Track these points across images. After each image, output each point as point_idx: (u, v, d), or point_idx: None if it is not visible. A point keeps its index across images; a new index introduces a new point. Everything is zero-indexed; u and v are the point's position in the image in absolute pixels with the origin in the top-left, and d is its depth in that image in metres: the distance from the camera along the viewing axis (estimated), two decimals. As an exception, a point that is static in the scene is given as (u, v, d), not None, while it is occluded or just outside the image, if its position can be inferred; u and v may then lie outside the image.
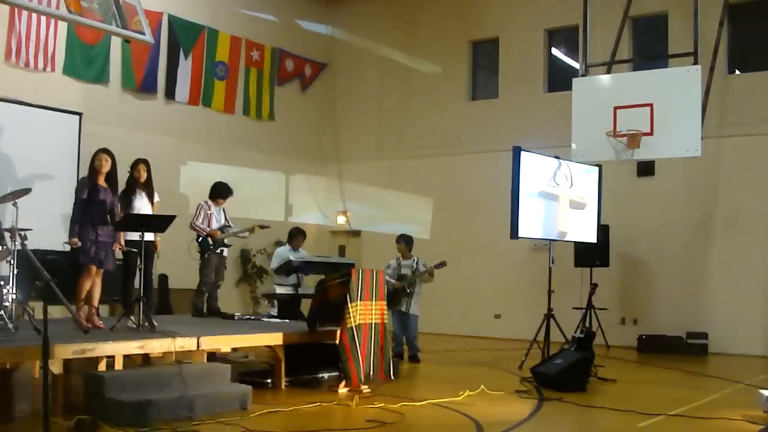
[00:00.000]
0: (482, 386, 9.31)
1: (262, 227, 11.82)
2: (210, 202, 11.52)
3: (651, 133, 11.50)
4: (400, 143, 19.09)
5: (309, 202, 19.77)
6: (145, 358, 8.74)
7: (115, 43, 14.79)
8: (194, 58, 16.87)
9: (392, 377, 9.66)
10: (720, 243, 15.11)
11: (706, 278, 15.16)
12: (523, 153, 11.62)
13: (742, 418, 8.11)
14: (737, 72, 15.69)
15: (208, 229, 11.25)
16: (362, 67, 19.82)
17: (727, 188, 15.05)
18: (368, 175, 19.46)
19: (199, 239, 11.34)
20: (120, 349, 7.59)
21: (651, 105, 11.54)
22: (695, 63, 11.59)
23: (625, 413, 8.29)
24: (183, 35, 16.64)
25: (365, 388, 9.02)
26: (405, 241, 12.71)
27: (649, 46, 16.59)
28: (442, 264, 12.25)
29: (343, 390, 9.05)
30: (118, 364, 7.67)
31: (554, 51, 17.75)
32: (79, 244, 8.60)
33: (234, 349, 9.70)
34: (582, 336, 10.56)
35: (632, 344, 15.10)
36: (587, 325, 13.28)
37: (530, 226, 11.73)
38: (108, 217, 8.81)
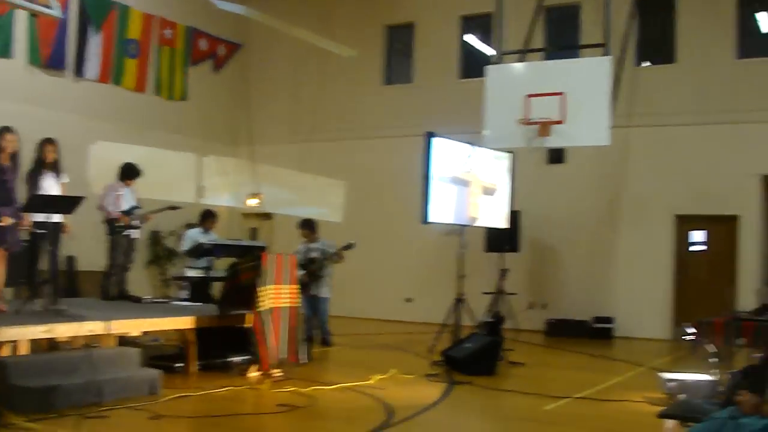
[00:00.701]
0: (393, 370, 9.40)
1: (172, 208, 11.62)
2: (119, 183, 11.26)
3: (562, 122, 11.62)
4: (314, 126, 19.00)
5: (221, 183, 19.54)
6: (52, 343, 8.51)
7: (21, 17, 14.32)
8: (105, 35, 16.43)
9: (304, 361, 9.67)
10: (626, 230, 15.55)
11: (613, 264, 15.59)
12: (435, 138, 11.72)
13: (644, 400, 8.39)
14: (646, 64, 16.10)
15: (116, 211, 10.99)
16: (277, 49, 19.62)
17: (634, 177, 15.48)
18: (281, 158, 19.34)
19: (107, 221, 11.08)
20: (25, 333, 7.39)
21: (562, 94, 11.66)
22: (605, 54, 11.81)
23: (533, 396, 8.50)
24: (93, 11, 16.19)
25: (276, 372, 9.01)
26: (307, 227, 12.52)
27: (562, 36, 16.91)
28: (351, 246, 12.14)
29: (254, 374, 9.02)
30: (23, 349, 7.45)
31: (469, 38, 17.90)
32: (12, 221, 8.30)
33: (144, 333, 9.56)
34: (492, 320, 10.76)
35: (540, 328, 15.46)
36: (497, 309, 13.51)
37: (442, 212, 11.84)
38: (11, 196, 8.53)
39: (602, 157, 14.89)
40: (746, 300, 13.16)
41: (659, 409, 7.74)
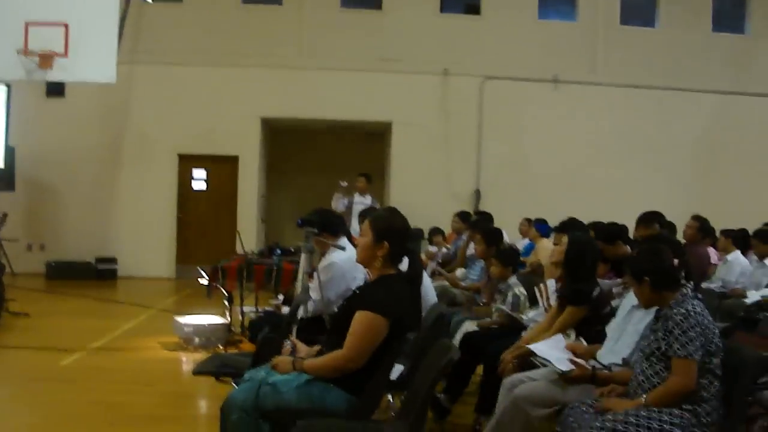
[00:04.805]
0: None
1: None
2: None
3: (65, 55, 11.00)
4: None
5: None
6: None
7: None
8: None
9: None
10: (130, 168, 15.26)
11: (116, 203, 15.26)
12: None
13: (160, 346, 8.38)
14: (150, 1, 15.76)
15: None
16: None
17: (138, 115, 15.20)
18: None
19: None
20: None
21: (66, 25, 11.01)
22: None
23: (46, 351, 7.98)
24: None
25: None
26: None
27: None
28: None
29: None
30: None
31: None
32: None
33: None
34: (-12, 268, 9.90)
35: (40, 271, 14.56)
36: (-6, 256, 12.53)
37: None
38: None
39: (105, 93, 14.34)
40: (248, 239, 13.77)
41: (178, 354, 7.90)
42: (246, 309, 9.12)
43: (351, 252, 5.93)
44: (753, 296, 7.73)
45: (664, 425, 3.69)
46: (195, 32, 15.20)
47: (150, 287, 13.87)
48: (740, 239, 9.30)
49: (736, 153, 15.76)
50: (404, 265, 4.15)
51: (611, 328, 4.67)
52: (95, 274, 14.57)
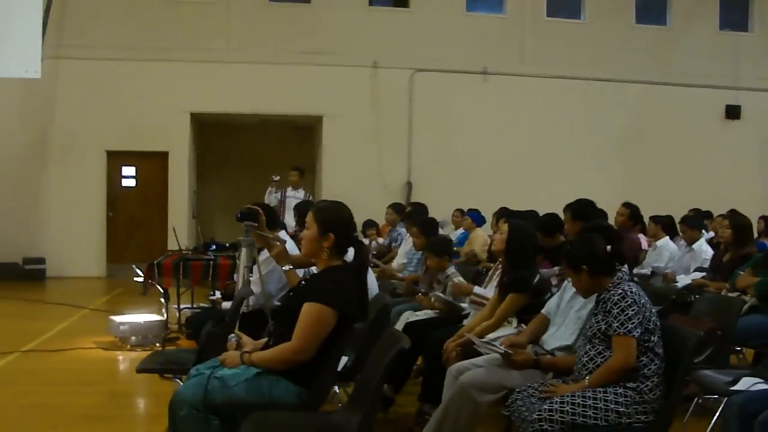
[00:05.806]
0: None
1: None
2: None
3: (-10, 51, 10.70)
4: None
5: None
6: None
7: None
8: None
9: None
10: (56, 166, 14.92)
11: (42, 201, 14.90)
12: None
13: (96, 346, 8.22)
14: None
15: None
16: None
17: (64, 111, 14.84)
18: None
19: None
20: None
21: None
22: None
23: (-23, 354, 7.74)
24: None
25: None
26: None
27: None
28: None
29: None
30: None
31: None
32: None
33: None
34: None
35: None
36: None
37: None
38: None
39: (29, 88, 13.99)
40: (180, 235, 13.56)
41: (116, 354, 7.78)
42: (182, 306, 9.04)
43: (290, 245, 5.94)
44: (683, 280, 7.92)
45: (609, 404, 3.79)
46: (122, 26, 14.92)
47: (81, 287, 13.57)
48: (668, 225, 9.52)
49: (660, 140, 16.18)
50: (349, 255, 4.16)
51: (554, 314, 4.73)
52: (22, 275, 14.21)
